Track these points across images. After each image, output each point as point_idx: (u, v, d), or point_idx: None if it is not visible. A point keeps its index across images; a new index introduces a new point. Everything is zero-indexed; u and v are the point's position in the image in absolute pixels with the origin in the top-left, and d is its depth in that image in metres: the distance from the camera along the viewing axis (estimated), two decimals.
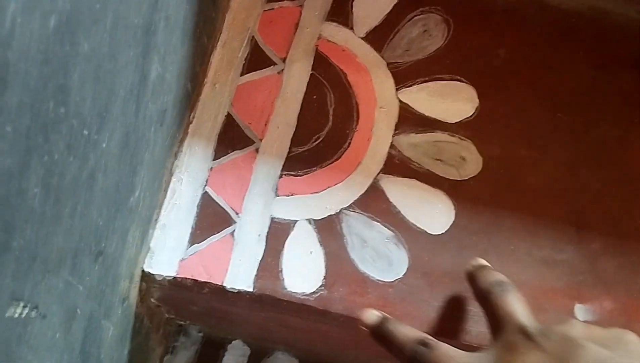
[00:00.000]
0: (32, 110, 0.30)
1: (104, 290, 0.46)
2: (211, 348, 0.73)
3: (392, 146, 0.62)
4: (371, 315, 0.52)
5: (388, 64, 0.64)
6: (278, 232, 0.58)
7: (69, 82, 0.33)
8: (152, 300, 0.60)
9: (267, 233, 0.58)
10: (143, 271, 0.55)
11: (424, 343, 0.48)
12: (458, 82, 0.64)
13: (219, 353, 0.74)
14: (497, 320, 0.49)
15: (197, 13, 0.55)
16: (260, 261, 0.57)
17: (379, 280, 0.57)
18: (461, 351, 0.48)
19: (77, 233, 0.39)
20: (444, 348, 0.48)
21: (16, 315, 0.33)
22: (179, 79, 0.53)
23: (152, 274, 0.56)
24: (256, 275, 0.57)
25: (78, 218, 0.38)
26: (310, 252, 0.58)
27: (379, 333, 0.51)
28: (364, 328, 0.52)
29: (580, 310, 0.57)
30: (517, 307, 0.48)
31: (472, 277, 0.53)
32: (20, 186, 0.30)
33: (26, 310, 0.34)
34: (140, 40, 0.42)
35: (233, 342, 0.75)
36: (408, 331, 0.50)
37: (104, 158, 0.40)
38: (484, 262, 0.55)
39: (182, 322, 0.72)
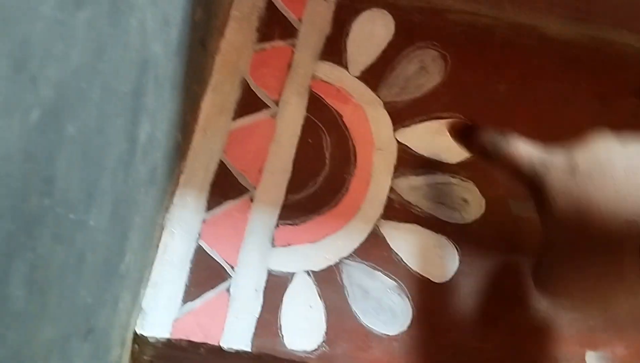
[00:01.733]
0: (13, 211, 0.27)
1: None
2: None
3: (391, 190, 0.59)
4: None
5: (385, 103, 0.62)
6: (276, 286, 0.56)
7: (54, 171, 0.30)
8: (145, 357, 0.57)
9: (265, 287, 0.56)
10: (135, 333, 0.53)
11: None
12: (457, 120, 0.62)
13: None
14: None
15: (187, 62, 0.52)
16: (258, 317, 0.55)
17: (382, 334, 0.55)
18: None
19: (65, 320, 0.36)
20: None
21: None
22: (169, 133, 0.51)
23: (145, 336, 0.53)
24: (254, 333, 0.54)
25: (66, 304, 0.36)
26: (310, 306, 0.56)
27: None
28: None
29: (592, 358, 0.55)
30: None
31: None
32: (2, 294, 0.28)
33: None
34: (129, 106, 0.40)
35: None
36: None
37: (92, 235, 0.38)
38: None
39: None
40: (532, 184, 0.47)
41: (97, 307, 0.42)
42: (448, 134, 0.55)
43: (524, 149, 0.49)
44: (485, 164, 0.52)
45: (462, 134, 0.55)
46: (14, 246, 0.28)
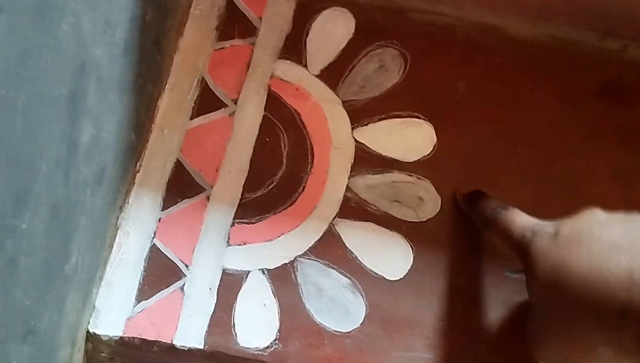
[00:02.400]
0: None
1: None
2: None
3: (348, 188, 0.60)
4: None
5: (343, 102, 0.62)
6: (230, 284, 0.56)
7: None
8: (103, 354, 0.58)
9: (219, 285, 0.56)
10: (88, 332, 0.53)
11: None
12: (416, 119, 0.62)
13: None
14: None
15: (139, 62, 0.52)
16: (212, 316, 0.55)
17: (335, 331, 0.56)
18: None
19: None
20: None
21: None
22: (119, 133, 0.51)
23: (98, 334, 0.54)
24: (207, 331, 0.55)
25: None
26: (264, 304, 0.56)
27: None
28: None
29: None
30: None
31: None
32: None
33: None
34: (65, 110, 0.40)
35: None
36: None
37: (25, 239, 0.38)
38: None
39: None
40: (520, 249, 0.50)
41: (39, 309, 0.43)
42: (457, 200, 0.58)
43: (520, 218, 0.51)
44: (484, 229, 0.55)
45: (469, 200, 0.57)
46: None
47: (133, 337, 0.54)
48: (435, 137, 0.62)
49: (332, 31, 0.64)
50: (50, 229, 0.41)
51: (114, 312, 0.54)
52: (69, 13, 0.38)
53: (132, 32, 0.49)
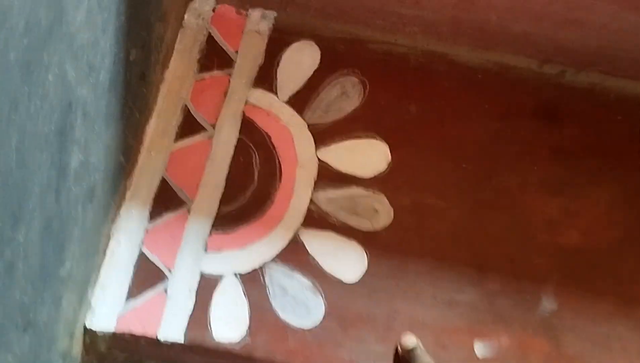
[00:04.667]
0: None
1: (38, 352, 0.53)
2: None
3: (311, 201, 0.68)
4: (409, 340, 0.59)
5: (309, 126, 0.71)
6: (207, 286, 0.65)
7: None
8: (101, 346, 0.67)
9: (197, 287, 0.65)
10: (85, 327, 0.62)
11: None
12: (373, 140, 0.70)
13: None
14: None
15: (125, 95, 0.61)
16: (191, 314, 0.64)
17: (298, 327, 0.64)
18: None
19: None
20: None
21: None
22: (107, 157, 0.60)
23: (93, 330, 0.63)
24: (187, 327, 0.63)
25: None
26: (236, 304, 0.64)
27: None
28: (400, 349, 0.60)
29: (479, 346, 0.63)
30: None
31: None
32: None
33: None
34: (53, 142, 0.49)
35: None
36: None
37: (22, 248, 0.47)
38: (412, 342, 0.60)
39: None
40: None
41: (36, 305, 0.52)
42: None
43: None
44: None
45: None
46: None
47: (123, 332, 0.63)
48: (389, 155, 0.70)
49: (300, 62, 0.73)
50: (44, 239, 0.50)
51: (107, 310, 0.63)
52: (54, 65, 0.47)
53: (116, 71, 0.58)
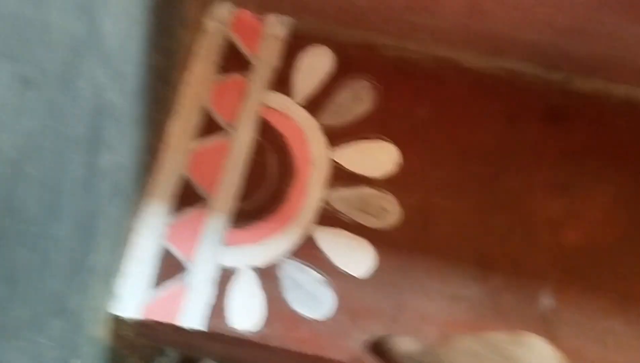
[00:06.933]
0: None
1: (68, 337, 0.58)
2: None
3: (324, 200, 0.72)
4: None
5: (322, 127, 0.74)
6: (225, 278, 0.69)
7: (13, 201, 0.44)
8: (127, 332, 0.71)
9: (216, 279, 0.69)
10: (111, 315, 0.67)
11: None
12: (383, 142, 0.74)
13: None
14: None
15: (149, 98, 0.65)
16: (210, 303, 0.68)
17: (310, 318, 0.68)
18: None
19: (34, 301, 0.50)
20: None
21: None
22: (132, 156, 0.64)
23: (120, 317, 0.67)
24: (207, 316, 0.67)
25: (34, 290, 0.49)
26: (253, 295, 0.68)
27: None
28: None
29: None
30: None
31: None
32: None
33: None
34: (85, 143, 0.53)
35: (205, 360, 0.86)
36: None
37: (54, 240, 0.51)
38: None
39: (159, 346, 0.83)
40: None
41: (68, 292, 0.56)
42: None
43: (405, 345, 0.56)
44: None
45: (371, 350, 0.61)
46: None
47: (148, 320, 0.67)
48: (399, 157, 0.73)
49: (315, 66, 0.77)
50: (74, 233, 0.55)
51: (132, 299, 0.67)
52: (86, 72, 0.51)
53: (141, 76, 0.62)
